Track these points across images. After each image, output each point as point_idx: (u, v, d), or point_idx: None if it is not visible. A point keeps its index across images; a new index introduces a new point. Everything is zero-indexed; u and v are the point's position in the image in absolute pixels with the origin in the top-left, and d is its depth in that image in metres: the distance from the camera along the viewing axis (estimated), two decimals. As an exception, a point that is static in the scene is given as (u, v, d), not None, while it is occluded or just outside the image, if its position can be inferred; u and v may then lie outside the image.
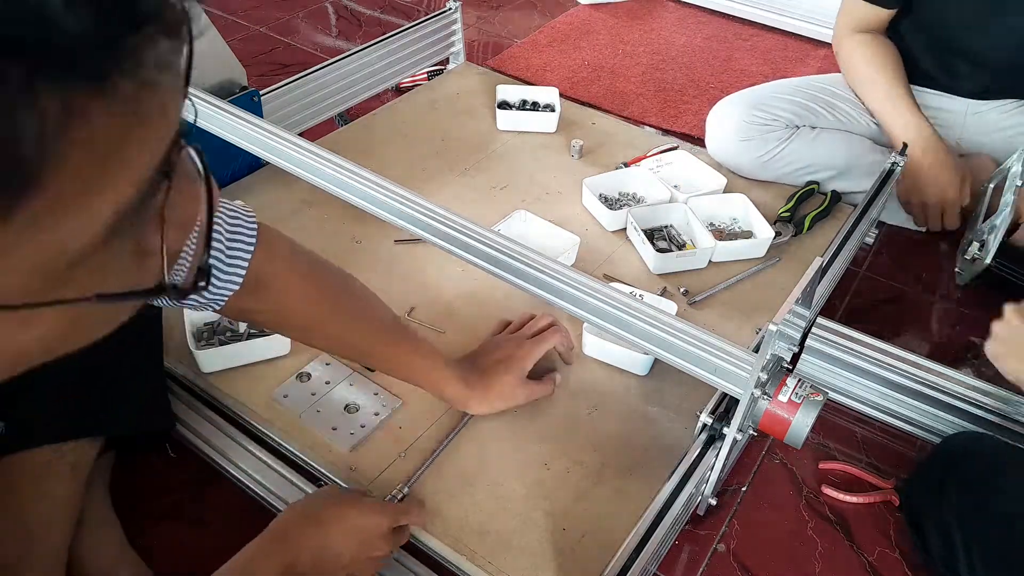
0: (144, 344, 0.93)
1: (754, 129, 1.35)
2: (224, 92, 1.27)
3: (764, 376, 0.75)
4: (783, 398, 0.78)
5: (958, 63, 1.37)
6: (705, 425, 0.86)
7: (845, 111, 1.41)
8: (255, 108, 1.31)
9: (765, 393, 0.78)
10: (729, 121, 1.37)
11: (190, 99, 0.29)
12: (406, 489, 0.87)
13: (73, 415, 0.80)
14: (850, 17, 1.40)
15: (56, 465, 0.79)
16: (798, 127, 1.38)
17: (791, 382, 0.78)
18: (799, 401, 0.77)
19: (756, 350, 0.76)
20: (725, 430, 0.83)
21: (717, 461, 0.86)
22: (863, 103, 1.41)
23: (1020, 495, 0.84)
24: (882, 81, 1.35)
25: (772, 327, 0.71)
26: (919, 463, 0.98)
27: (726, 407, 0.88)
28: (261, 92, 1.32)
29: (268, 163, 1.05)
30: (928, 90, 1.42)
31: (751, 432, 0.84)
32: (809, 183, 1.37)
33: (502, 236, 0.88)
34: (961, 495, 0.86)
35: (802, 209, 1.34)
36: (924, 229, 1.41)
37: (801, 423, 0.77)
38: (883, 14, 1.37)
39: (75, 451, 0.81)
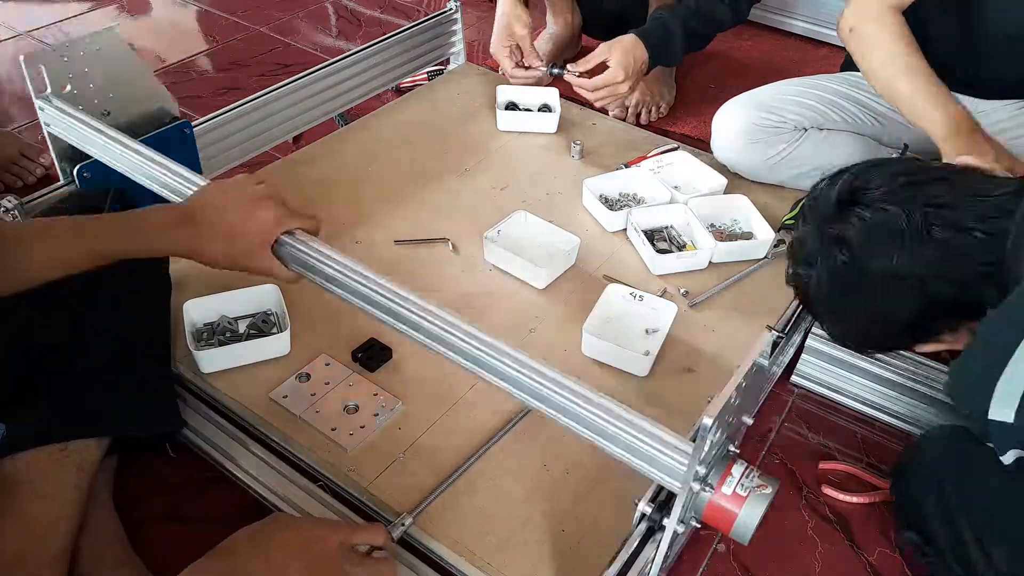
0: (151, 345, 0.93)
1: (762, 131, 1.35)
2: (152, 124, 1.17)
3: (703, 470, 0.68)
4: (727, 490, 0.70)
5: (988, 63, 1.28)
6: (643, 515, 0.76)
7: (851, 111, 1.40)
8: (187, 141, 1.18)
9: (707, 485, 0.70)
10: (736, 123, 1.36)
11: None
12: (409, 519, 0.84)
13: (80, 415, 0.80)
14: None
15: (62, 464, 0.80)
16: (806, 129, 1.37)
17: (737, 471, 0.71)
18: (745, 494, 0.70)
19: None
20: (665, 521, 0.74)
21: (658, 555, 0.77)
22: (889, 96, 1.20)
23: None
24: (920, 77, 1.14)
25: (707, 420, 0.63)
26: (906, 464, 0.95)
27: (667, 496, 0.77)
28: (257, 94, 1.27)
29: (268, 164, 1.04)
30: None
31: (694, 524, 0.76)
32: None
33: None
34: (966, 491, 0.84)
35: (803, 210, 1.33)
36: None
37: (747, 518, 0.70)
38: None
39: (81, 451, 0.82)
